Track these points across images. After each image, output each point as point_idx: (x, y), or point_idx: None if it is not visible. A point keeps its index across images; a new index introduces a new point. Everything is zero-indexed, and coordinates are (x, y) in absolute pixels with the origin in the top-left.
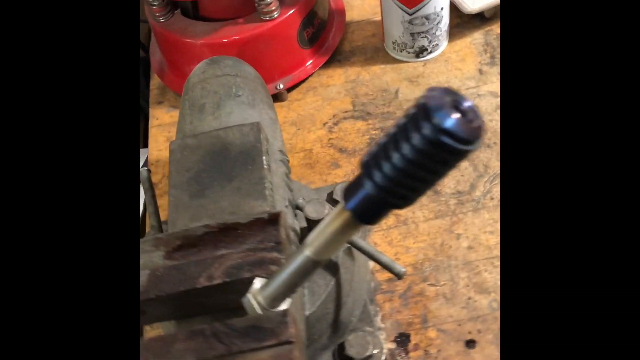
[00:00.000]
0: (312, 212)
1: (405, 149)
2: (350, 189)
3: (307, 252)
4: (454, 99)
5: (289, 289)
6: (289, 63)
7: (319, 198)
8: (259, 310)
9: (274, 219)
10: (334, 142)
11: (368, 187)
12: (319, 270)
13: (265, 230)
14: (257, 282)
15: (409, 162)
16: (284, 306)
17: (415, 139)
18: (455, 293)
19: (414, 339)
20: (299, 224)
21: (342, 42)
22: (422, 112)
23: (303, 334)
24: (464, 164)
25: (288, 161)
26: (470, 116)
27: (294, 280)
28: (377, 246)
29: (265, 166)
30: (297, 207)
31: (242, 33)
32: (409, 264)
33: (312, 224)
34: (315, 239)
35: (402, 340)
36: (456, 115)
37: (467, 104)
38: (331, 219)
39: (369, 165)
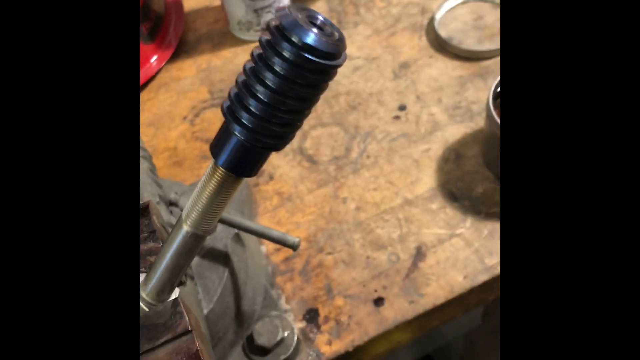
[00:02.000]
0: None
1: (269, 78)
2: (218, 143)
3: (185, 226)
4: (308, 15)
5: (174, 274)
6: None
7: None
8: (145, 308)
9: (143, 210)
10: (198, 135)
11: (238, 133)
12: (210, 265)
13: None
14: (140, 277)
15: (276, 92)
16: (172, 296)
17: (278, 64)
18: (353, 256)
19: (322, 312)
20: (175, 219)
21: (185, 32)
22: (279, 33)
23: (202, 323)
24: (335, 130)
25: (151, 157)
26: (328, 30)
27: (178, 263)
28: None
29: None
30: (171, 203)
31: None
32: (303, 238)
33: None
34: (192, 209)
35: (312, 316)
36: (315, 30)
37: (321, 17)
38: (204, 182)
39: (233, 108)
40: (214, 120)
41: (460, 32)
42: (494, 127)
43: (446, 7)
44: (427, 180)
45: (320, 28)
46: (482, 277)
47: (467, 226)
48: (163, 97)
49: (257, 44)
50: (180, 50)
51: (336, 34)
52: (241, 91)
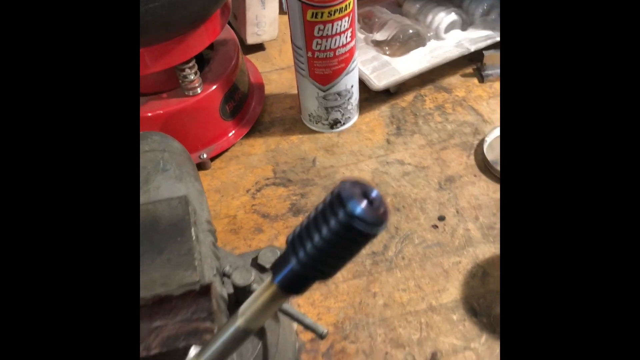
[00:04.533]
0: (239, 279)
1: (324, 230)
2: (278, 265)
3: (239, 322)
4: (363, 190)
5: (221, 356)
6: (212, 134)
7: (245, 264)
8: None
9: (205, 291)
10: (257, 208)
11: (293, 263)
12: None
13: (198, 301)
14: (193, 351)
15: (327, 242)
16: None
17: (332, 222)
18: (373, 349)
19: None
20: (227, 290)
21: (262, 114)
22: (337, 200)
23: None
24: None
25: (215, 231)
26: (377, 204)
27: (227, 348)
28: (300, 307)
29: (193, 238)
30: (224, 274)
31: (167, 107)
32: (331, 323)
33: (239, 290)
34: (246, 310)
35: None
36: (364, 204)
37: (374, 193)
38: (260, 291)
39: (294, 243)
40: (272, 197)
41: None
42: None
43: (497, 132)
44: (452, 291)
45: (371, 202)
46: None
47: (482, 342)
48: (233, 168)
49: (324, 134)
50: (255, 129)
51: (382, 208)
52: (303, 231)
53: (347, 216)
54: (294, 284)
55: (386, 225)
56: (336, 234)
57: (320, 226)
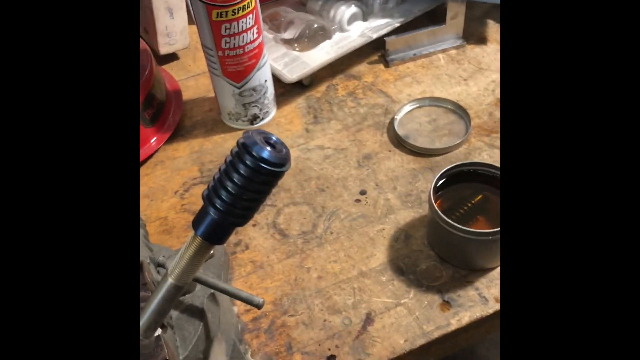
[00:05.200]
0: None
1: (236, 177)
2: (198, 219)
3: (170, 279)
4: (264, 137)
5: (159, 316)
6: None
7: None
8: None
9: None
10: (187, 207)
11: (212, 213)
12: (188, 318)
13: None
14: None
15: (240, 187)
16: (156, 334)
17: (242, 169)
18: (312, 318)
19: None
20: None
21: (182, 118)
22: (244, 148)
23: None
24: (305, 208)
25: (145, 225)
26: (279, 147)
27: (163, 306)
28: None
29: None
30: (159, 265)
31: None
32: (270, 301)
33: None
34: (175, 267)
35: None
36: (268, 148)
37: (274, 138)
38: (186, 247)
39: (210, 196)
40: (201, 195)
41: (415, 132)
42: (434, 214)
43: (405, 110)
44: (379, 255)
45: (273, 146)
46: (420, 341)
47: (411, 297)
48: (159, 173)
49: (243, 131)
50: (177, 134)
51: (284, 150)
52: (217, 184)
53: (256, 160)
54: (215, 233)
55: (289, 164)
56: (248, 178)
57: (231, 175)
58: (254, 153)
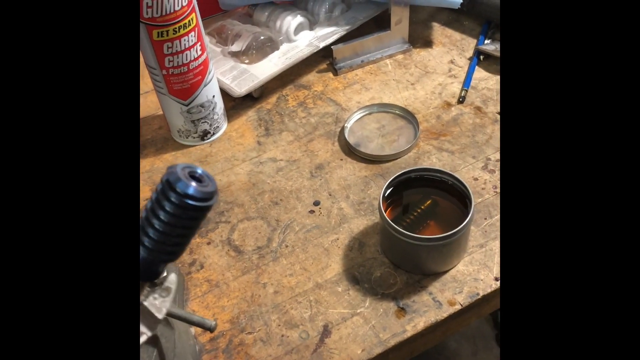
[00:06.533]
0: None
1: (162, 215)
2: None
3: None
4: (190, 171)
5: None
6: None
7: None
8: None
9: None
10: None
11: (142, 253)
12: (141, 346)
13: None
14: None
15: (167, 224)
16: None
17: (167, 206)
18: (270, 334)
19: None
20: None
21: None
22: (167, 186)
23: None
24: (259, 222)
25: None
26: (205, 181)
27: None
28: (195, 312)
29: None
30: None
31: None
32: (226, 320)
33: None
34: None
35: None
36: (193, 183)
37: (199, 171)
38: None
39: (139, 235)
40: None
41: (366, 139)
42: (385, 223)
43: (355, 117)
44: (334, 266)
45: (199, 180)
46: (377, 350)
47: (366, 306)
48: None
49: (196, 147)
50: None
51: (210, 183)
52: (144, 222)
53: (180, 196)
54: (147, 271)
55: (217, 197)
56: (174, 215)
57: (158, 213)
58: (178, 190)
